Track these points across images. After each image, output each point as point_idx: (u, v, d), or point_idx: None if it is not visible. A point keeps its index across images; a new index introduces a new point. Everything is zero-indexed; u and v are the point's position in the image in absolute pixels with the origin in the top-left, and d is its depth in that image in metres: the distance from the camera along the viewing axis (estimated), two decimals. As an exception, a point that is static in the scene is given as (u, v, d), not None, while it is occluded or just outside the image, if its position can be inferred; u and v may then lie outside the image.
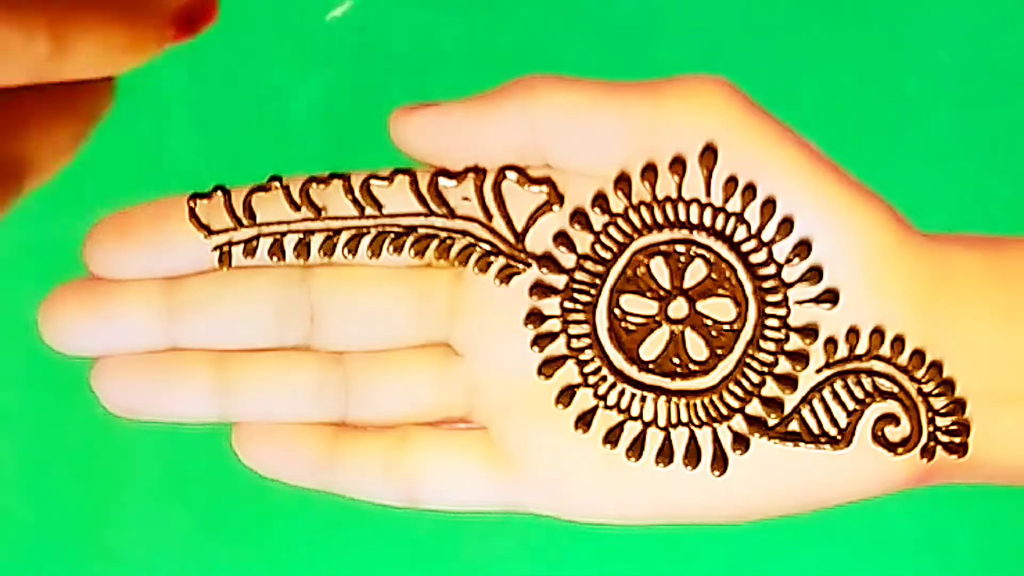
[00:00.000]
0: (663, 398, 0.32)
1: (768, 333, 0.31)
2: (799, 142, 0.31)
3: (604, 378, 0.32)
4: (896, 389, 0.31)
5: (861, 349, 0.31)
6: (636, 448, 0.31)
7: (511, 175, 0.32)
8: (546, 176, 0.32)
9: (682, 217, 0.31)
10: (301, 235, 0.32)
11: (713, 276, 0.31)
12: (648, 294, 0.32)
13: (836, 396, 0.31)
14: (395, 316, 0.33)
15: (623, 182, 0.31)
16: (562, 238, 0.32)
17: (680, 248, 0.31)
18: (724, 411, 0.31)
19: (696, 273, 0.31)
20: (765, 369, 0.31)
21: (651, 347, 0.32)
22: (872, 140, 0.35)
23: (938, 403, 0.31)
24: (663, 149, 0.31)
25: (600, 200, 0.31)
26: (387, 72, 0.35)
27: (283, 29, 0.38)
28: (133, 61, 0.24)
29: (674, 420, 0.32)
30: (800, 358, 0.31)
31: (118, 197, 0.32)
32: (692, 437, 0.31)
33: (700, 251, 0.31)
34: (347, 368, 0.33)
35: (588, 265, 0.32)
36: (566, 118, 0.31)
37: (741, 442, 0.31)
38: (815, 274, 0.31)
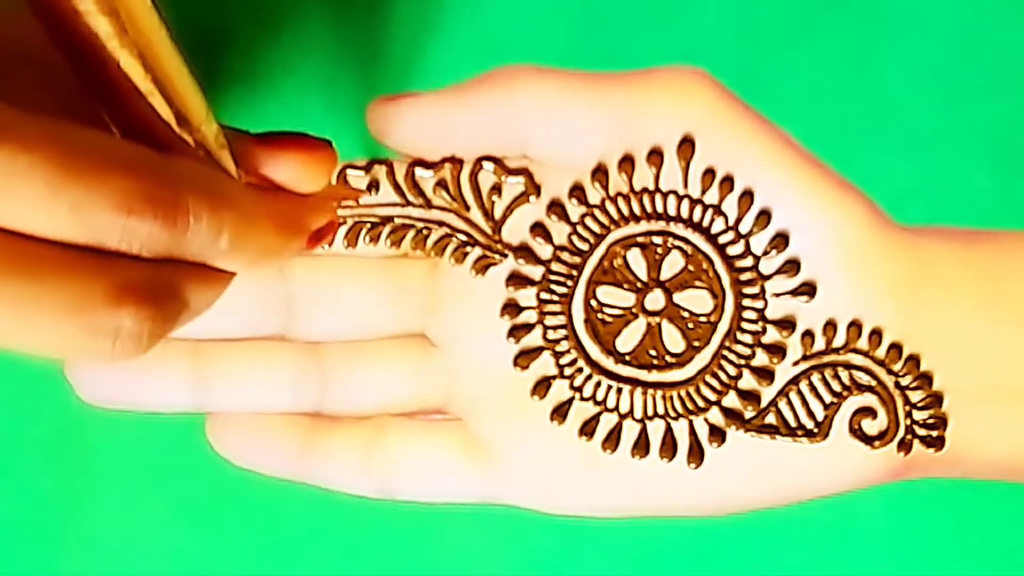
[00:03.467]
0: (639, 390, 0.32)
1: (745, 326, 0.31)
2: (777, 134, 0.31)
3: (580, 370, 0.32)
4: (873, 382, 0.31)
5: (838, 342, 0.31)
6: (612, 440, 0.31)
7: (488, 166, 0.32)
8: (523, 167, 0.32)
9: (659, 209, 0.31)
10: None
11: (690, 268, 0.31)
12: (625, 286, 0.32)
13: (813, 389, 0.31)
14: (371, 307, 0.32)
15: (600, 173, 0.31)
16: (539, 229, 0.32)
17: (657, 240, 0.31)
18: (701, 403, 0.31)
19: (673, 265, 0.31)
20: (742, 361, 0.31)
21: (628, 339, 0.32)
22: (851, 133, 0.35)
23: (915, 396, 0.31)
24: (641, 140, 0.31)
25: (577, 191, 0.31)
26: (365, 62, 0.35)
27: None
28: (272, 265, 0.28)
29: (650, 412, 0.31)
30: (777, 351, 0.31)
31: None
32: (668, 429, 0.31)
33: (677, 243, 0.31)
34: (323, 359, 0.33)
35: (565, 256, 0.32)
36: (544, 109, 0.31)
37: (718, 434, 0.31)
38: (793, 267, 0.31)
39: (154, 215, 0.22)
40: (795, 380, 0.31)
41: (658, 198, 0.31)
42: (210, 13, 0.37)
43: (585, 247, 0.32)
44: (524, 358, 0.32)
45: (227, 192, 0.24)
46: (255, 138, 0.26)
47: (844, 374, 0.31)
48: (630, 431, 0.31)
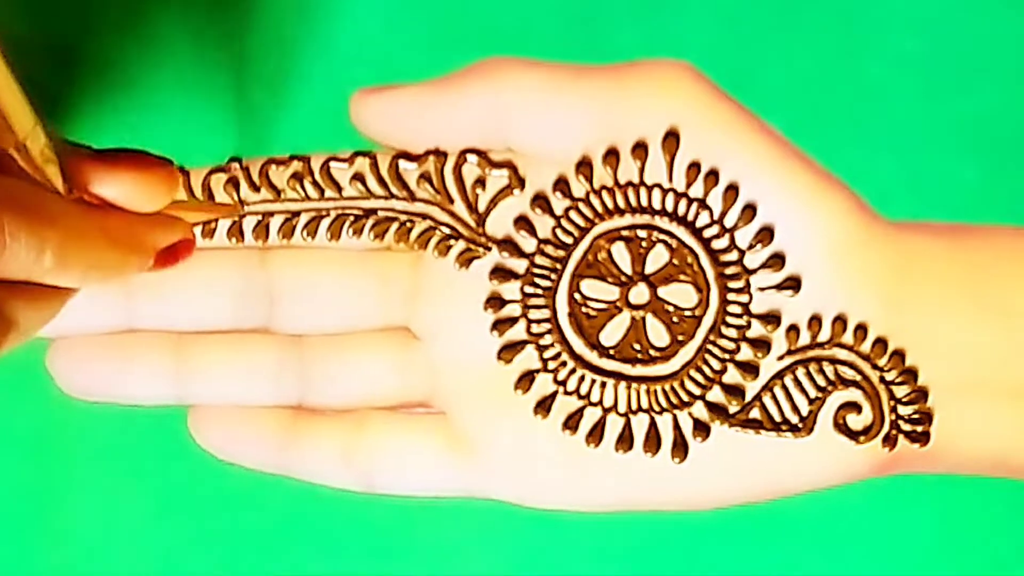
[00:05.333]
0: (623, 384, 0.31)
1: (730, 320, 0.31)
2: (762, 128, 0.31)
3: (564, 363, 0.32)
4: (858, 377, 0.31)
5: (823, 337, 0.31)
6: (596, 434, 0.31)
7: (472, 158, 0.31)
8: (508, 160, 0.31)
9: (644, 202, 0.31)
10: (260, 217, 0.32)
11: (675, 262, 0.31)
12: (609, 279, 0.31)
13: (798, 384, 0.31)
14: (354, 299, 0.32)
15: (585, 166, 0.31)
16: (523, 222, 0.32)
17: (642, 233, 0.31)
18: (685, 398, 0.31)
19: (658, 259, 0.31)
20: (727, 356, 0.31)
21: (612, 333, 0.31)
22: (836, 127, 0.35)
23: (900, 392, 0.31)
24: (625, 134, 0.31)
25: (561, 184, 0.31)
26: (348, 53, 0.35)
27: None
28: (112, 281, 0.28)
29: (634, 406, 0.31)
30: (762, 345, 0.31)
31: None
32: (652, 424, 0.31)
33: (662, 236, 0.31)
34: (305, 351, 0.33)
35: (549, 250, 0.31)
36: (528, 101, 0.31)
37: (702, 429, 0.31)
38: (777, 261, 0.31)
39: None
40: (780, 375, 0.31)
41: (643, 191, 0.31)
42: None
43: (569, 240, 0.31)
44: (508, 352, 0.32)
45: (49, 209, 0.24)
46: (90, 154, 0.26)
47: (829, 369, 0.31)
48: (614, 425, 0.31)
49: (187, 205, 0.29)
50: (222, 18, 0.37)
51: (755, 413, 0.31)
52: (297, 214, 0.32)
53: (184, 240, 0.29)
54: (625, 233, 0.31)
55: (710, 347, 0.31)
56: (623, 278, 0.31)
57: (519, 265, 0.32)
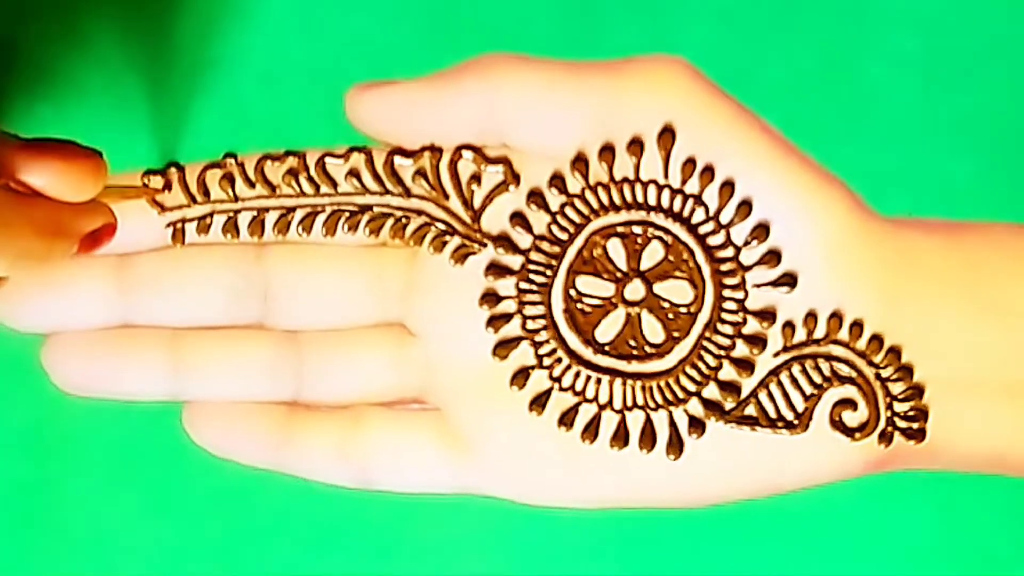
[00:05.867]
0: (619, 380, 0.31)
1: (725, 316, 0.31)
2: (759, 124, 0.31)
3: (559, 360, 0.32)
4: (854, 374, 0.31)
5: (819, 333, 0.31)
6: (591, 431, 0.31)
7: (468, 154, 0.31)
8: (503, 156, 0.31)
9: (639, 198, 0.31)
10: (255, 213, 0.32)
11: (670, 258, 0.31)
12: (604, 275, 0.31)
13: (794, 380, 0.31)
14: (350, 295, 0.32)
15: (580, 162, 0.31)
16: (518, 218, 0.31)
17: (637, 230, 0.31)
18: (680, 394, 0.31)
19: (653, 255, 0.31)
20: (722, 352, 0.31)
21: (607, 329, 0.31)
22: (833, 123, 0.35)
23: (896, 388, 0.31)
24: (621, 130, 0.31)
25: (557, 180, 0.31)
26: (343, 49, 0.35)
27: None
28: (40, 268, 0.29)
29: (630, 403, 0.31)
30: (758, 342, 0.31)
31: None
32: (648, 420, 0.31)
33: (657, 233, 0.31)
34: (301, 347, 0.32)
35: (544, 246, 0.31)
36: (524, 98, 0.31)
37: (697, 426, 0.31)
38: (773, 257, 0.31)
39: None
40: (775, 371, 0.31)
41: (638, 188, 0.31)
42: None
43: (565, 237, 0.31)
44: (503, 348, 0.32)
45: None
46: (18, 143, 0.27)
47: (825, 365, 0.31)
48: (609, 422, 0.31)
49: (109, 191, 0.29)
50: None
51: (751, 410, 0.31)
52: (292, 210, 0.32)
53: (106, 224, 0.29)
54: (621, 229, 0.31)
55: (706, 343, 0.31)
56: (619, 274, 0.31)
57: (514, 261, 0.32)
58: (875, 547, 0.36)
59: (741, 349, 0.31)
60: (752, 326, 0.31)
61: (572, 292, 0.32)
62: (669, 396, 0.31)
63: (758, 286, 0.31)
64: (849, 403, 0.31)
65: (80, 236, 0.28)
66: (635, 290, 0.31)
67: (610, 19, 0.36)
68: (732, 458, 0.31)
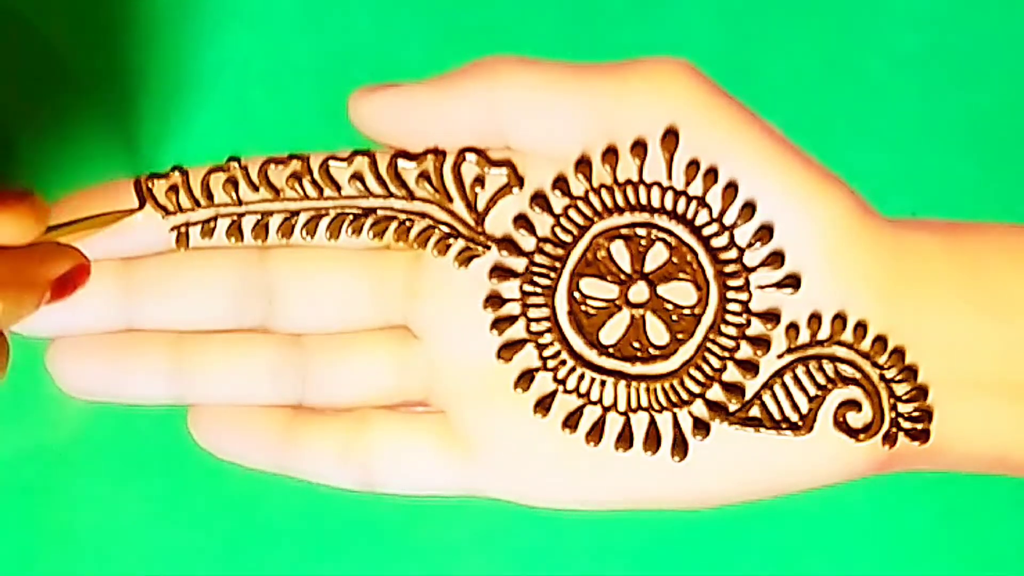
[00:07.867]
0: (623, 382, 0.31)
1: (729, 318, 0.31)
2: (762, 126, 0.31)
3: (564, 362, 0.32)
4: (858, 375, 0.31)
5: (823, 334, 0.31)
6: (595, 433, 0.31)
7: (471, 157, 0.31)
8: (506, 158, 0.32)
9: (643, 200, 0.31)
10: (259, 216, 0.32)
11: (674, 260, 0.31)
12: (608, 278, 0.31)
13: (798, 382, 0.31)
14: (353, 298, 0.32)
15: (584, 165, 0.31)
16: (522, 221, 0.32)
17: (641, 232, 0.31)
18: (685, 396, 0.31)
19: (657, 257, 0.31)
20: (726, 354, 0.31)
21: (611, 331, 0.31)
22: (836, 124, 0.35)
23: (900, 389, 0.31)
24: (624, 132, 0.31)
25: (560, 183, 0.31)
26: (346, 52, 0.35)
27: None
28: (11, 322, 0.28)
29: (634, 405, 0.31)
30: (761, 343, 0.31)
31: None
32: (652, 422, 0.31)
33: (661, 235, 0.31)
34: (305, 350, 0.32)
35: (548, 248, 0.31)
36: (527, 100, 0.31)
37: (702, 427, 0.31)
38: (777, 259, 0.31)
39: None
40: (779, 373, 0.31)
41: (642, 190, 0.31)
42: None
43: (568, 239, 0.31)
44: (507, 350, 0.32)
45: None
46: None
47: (829, 367, 0.31)
48: (613, 424, 0.31)
49: (69, 228, 0.29)
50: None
51: (755, 411, 0.31)
52: (296, 213, 0.32)
53: (77, 266, 0.29)
54: (624, 231, 0.31)
55: (710, 345, 0.31)
56: (622, 276, 0.31)
57: (518, 264, 0.32)
58: (879, 548, 0.37)
59: (745, 351, 0.31)
60: (756, 327, 0.31)
61: (576, 294, 0.32)
62: (673, 398, 0.31)
63: (762, 287, 0.31)
64: (853, 404, 0.31)
65: (48, 284, 0.28)
66: (639, 292, 0.31)
67: (613, 21, 0.36)
68: (736, 460, 0.31)
